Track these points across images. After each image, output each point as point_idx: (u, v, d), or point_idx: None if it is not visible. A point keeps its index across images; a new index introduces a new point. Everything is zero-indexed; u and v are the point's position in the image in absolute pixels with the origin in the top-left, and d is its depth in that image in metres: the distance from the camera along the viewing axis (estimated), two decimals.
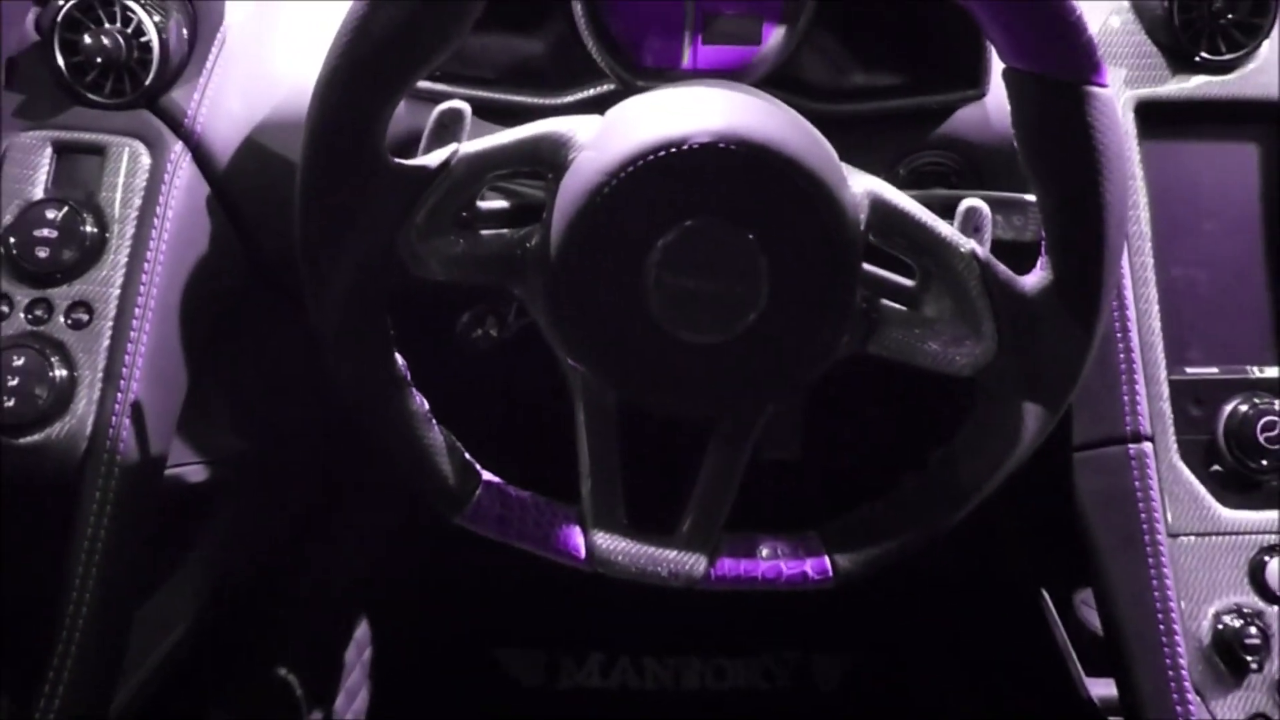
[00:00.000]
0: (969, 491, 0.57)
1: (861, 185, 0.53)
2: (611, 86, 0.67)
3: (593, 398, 0.56)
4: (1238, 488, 0.65)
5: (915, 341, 0.55)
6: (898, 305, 0.55)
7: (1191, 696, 0.62)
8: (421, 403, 0.56)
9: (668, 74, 0.68)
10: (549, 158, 0.52)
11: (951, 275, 0.53)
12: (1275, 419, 0.64)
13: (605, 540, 0.56)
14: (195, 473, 0.75)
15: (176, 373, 0.66)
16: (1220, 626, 0.63)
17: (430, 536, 0.85)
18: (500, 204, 0.57)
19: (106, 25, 0.66)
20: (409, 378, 0.56)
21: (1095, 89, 0.48)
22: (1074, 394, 0.54)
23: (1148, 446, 0.65)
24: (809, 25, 0.66)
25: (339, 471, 0.99)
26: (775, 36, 0.67)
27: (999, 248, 0.54)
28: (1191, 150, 0.67)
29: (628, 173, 0.49)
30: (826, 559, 0.57)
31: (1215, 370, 0.66)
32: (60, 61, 0.66)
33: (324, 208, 0.52)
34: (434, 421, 0.56)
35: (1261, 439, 0.64)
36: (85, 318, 0.63)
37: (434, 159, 0.52)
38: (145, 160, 0.66)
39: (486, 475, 0.57)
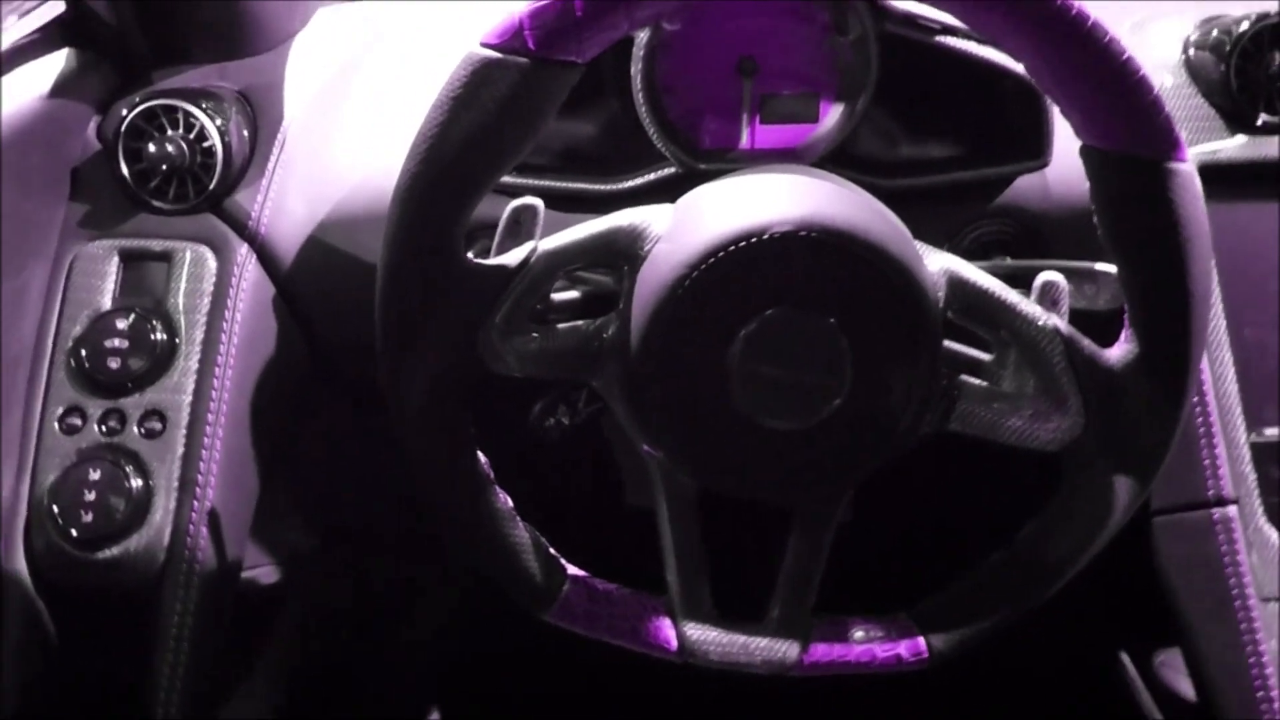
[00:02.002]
0: (1061, 567, 0.56)
1: (938, 264, 0.53)
2: (673, 169, 0.68)
3: (673, 486, 0.55)
4: None
5: (997, 418, 0.54)
6: (978, 381, 0.55)
7: None
8: (505, 500, 0.55)
9: (728, 155, 0.68)
10: (625, 250, 0.53)
11: (1034, 351, 0.53)
12: None
13: (696, 631, 0.56)
14: (268, 573, 0.75)
15: (250, 476, 0.66)
16: None
17: (508, 627, 0.84)
18: (572, 294, 0.57)
19: (169, 132, 0.67)
20: (491, 475, 0.56)
21: (1178, 165, 0.48)
22: (1163, 467, 0.54)
23: (1233, 510, 0.64)
24: (868, 103, 0.66)
25: (409, 566, 0.98)
26: (833, 114, 0.67)
27: (1073, 317, 0.54)
28: (1254, 210, 0.67)
29: (708, 264, 0.49)
30: (922, 640, 0.56)
31: None
32: (125, 170, 0.67)
33: (405, 311, 0.52)
34: (518, 518, 0.55)
35: None
36: (159, 426, 0.63)
37: (513, 258, 0.52)
38: (211, 264, 0.67)
39: (572, 570, 0.57)
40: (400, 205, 0.50)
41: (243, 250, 0.67)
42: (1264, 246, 0.67)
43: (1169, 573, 0.66)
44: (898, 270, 0.50)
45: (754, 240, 0.49)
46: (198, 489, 0.62)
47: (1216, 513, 0.64)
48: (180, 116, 0.67)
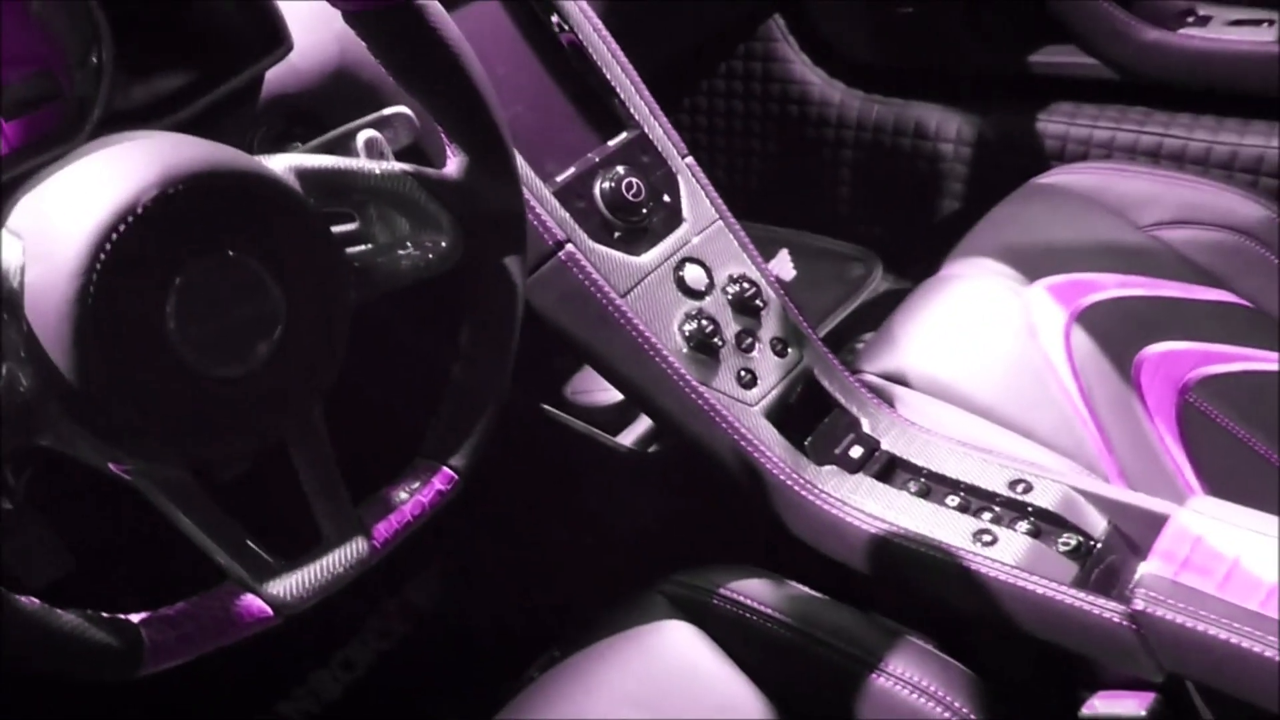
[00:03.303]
0: (505, 340, 0.67)
1: (281, 164, 0.57)
2: None
3: (166, 484, 0.55)
4: None
5: (393, 266, 0.63)
6: (360, 247, 0.62)
7: None
8: (31, 600, 0.51)
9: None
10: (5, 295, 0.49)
11: (395, 196, 0.61)
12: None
13: (277, 586, 0.58)
14: None
15: None
16: None
17: None
18: None
19: None
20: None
21: (422, 1, 0.57)
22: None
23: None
24: (111, 55, 0.65)
25: None
26: (81, 81, 0.65)
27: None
28: None
29: (101, 262, 0.49)
30: (446, 469, 0.64)
31: None
32: None
33: None
34: (52, 607, 0.52)
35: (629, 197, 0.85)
36: None
37: None
38: None
39: (134, 616, 0.55)
40: None
41: None
42: None
43: None
44: (263, 183, 0.54)
45: (131, 218, 0.49)
46: None
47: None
48: None
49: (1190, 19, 1.45)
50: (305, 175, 0.58)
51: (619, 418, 1.00)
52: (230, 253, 0.53)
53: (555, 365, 1.01)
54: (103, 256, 0.49)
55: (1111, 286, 1.11)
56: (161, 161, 0.52)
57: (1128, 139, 1.48)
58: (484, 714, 0.80)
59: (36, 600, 0.51)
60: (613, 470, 1.01)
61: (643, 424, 1.00)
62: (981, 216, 1.27)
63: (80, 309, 0.49)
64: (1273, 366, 1.07)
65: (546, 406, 1.00)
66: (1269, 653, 0.62)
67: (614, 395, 0.99)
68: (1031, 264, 1.12)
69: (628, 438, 0.99)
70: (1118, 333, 1.06)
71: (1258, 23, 1.40)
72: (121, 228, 0.49)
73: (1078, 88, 1.54)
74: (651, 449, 0.98)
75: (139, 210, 0.50)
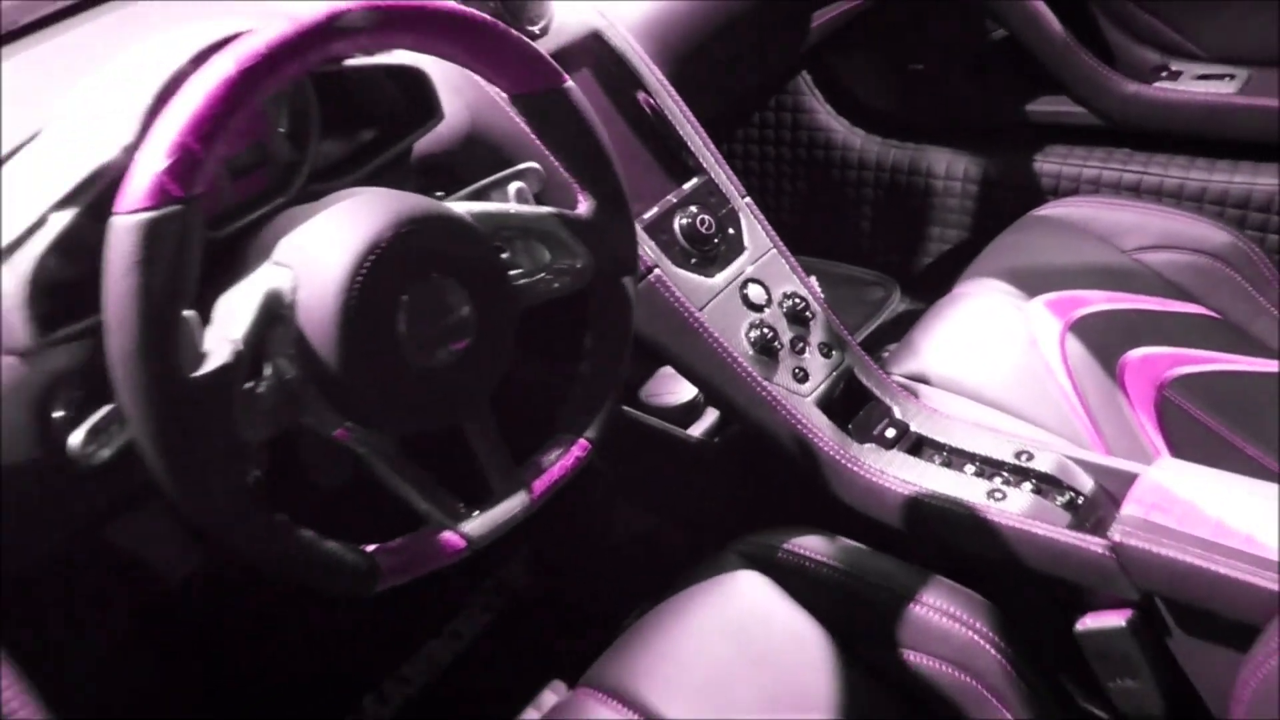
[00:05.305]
0: (626, 340, 0.85)
1: (463, 209, 0.76)
2: None
3: (379, 447, 0.73)
4: None
5: (541, 286, 0.81)
6: (514, 271, 0.81)
7: None
8: (301, 529, 0.69)
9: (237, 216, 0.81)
10: (280, 310, 0.66)
11: (542, 232, 0.80)
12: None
13: (468, 526, 0.75)
14: None
15: None
16: None
17: None
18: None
19: None
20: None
21: (567, 86, 0.77)
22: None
23: None
24: (319, 133, 0.83)
25: None
26: (286, 149, 0.81)
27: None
28: None
29: (357, 284, 0.65)
30: (583, 440, 0.83)
31: None
32: None
33: (173, 440, 0.62)
34: (315, 533, 0.69)
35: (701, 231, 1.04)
36: None
37: (223, 358, 0.64)
38: None
39: (366, 547, 0.73)
40: (137, 373, 0.59)
41: None
42: None
43: None
44: (462, 227, 0.73)
45: (375, 253, 0.67)
46: None
47: None
48: None
49: (1164, 74, 1.60)
50: (480, 217, 0.76)
51: (686, 415, 1.17)
52: (435, 275, 0.72)
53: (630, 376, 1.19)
54: (357, 281, 0.65)
55: (1100, 301, 1.25)
56: (392, 210, 0.69)
57: (1113, 176, 1.61)
58: (579, 667, 0.96)
59: (310, 531, 0.70)
60: (685, 459, 1.17)
61: (707, 419, 1.17)
62: (986, 245, 1.40)
63: (342, 319, 0.65)
64: (1238, 367, 1.22)
65: (626, 408, 1.18)
66: (1217, 569, 0.79)
67: (682, 396, 1.16)
68: (1031, 283, 1.26)
69: (696, 430, 1.17)
70: (1105, 340, 1.19)
71: (1220, 77, 1.55)
72: (369, 260, 0.66)
73: (1069, 133, 1.67)
74: (715, 440, 1.15)
75: (380, 246, 0.66)
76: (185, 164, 0.59)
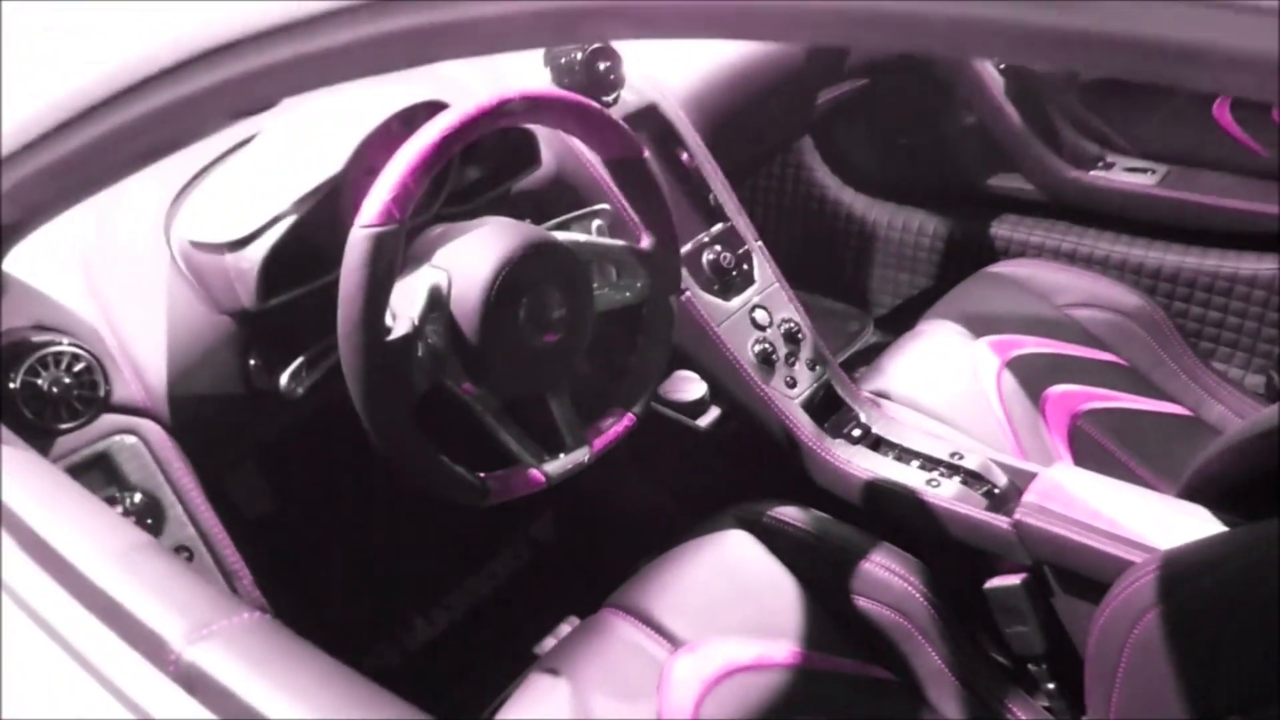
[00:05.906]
0: (668, 341, 1.13)
1: (564, 238, 1.04)
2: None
3: (489, 405, 1.01)
4: None
5: (608, 298, 1.10)
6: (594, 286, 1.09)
7: None
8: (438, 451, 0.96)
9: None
10: (441, 297, 0.93)
11: (615, 260, 1.08)
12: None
13: (548, 465, 1.02)
14: None
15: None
16: None
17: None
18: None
19: (46, 371, 0.89)
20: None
21: (646, 157, 1.05)
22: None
23: None
24: (456, 170, 1.11)
25: None
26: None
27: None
28: None
29: (497, 283, 0.93)
30: (629, 414, 1.11)
31: None
32: (28, 414, 0.88)
33: (374, 394, 0.88)
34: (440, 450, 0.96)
35: (723, 265, 1.32)
36: (188, 556, 0.90)
37: (405, 329, 0.91)
38: (134, 442, 0.92)
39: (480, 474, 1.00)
40: (357, 334, 0.86)
41: (144, 423, 0.94)
42: None
43: None
44: (566, 252, 1.01)
45: (508, 265, 0.94)
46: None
47: None
48: (50, 358, 0.90)
49: (1100, 164, 1.84)
50: (575, 245, 1.05)
51: (696, 409, 1.40)
52: (544, 284, 1.00)
53: None
54: (496, 284, 0.92)
55: (1032, 345, 1.46)
56: (521, 235, 0.96)
57: (1053, 244, 1.84)
58: (594, 604, 1.18)
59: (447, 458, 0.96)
60: (693, 445, 1.38)
61: (712, 414, 1.40)
62: (946, 292, 1.59)
63: (484, 309, 0.91)
64: (1138, 406, 1.46)
65: None
66: (1089, 543, 1.05)
67: (694, 394, 1.41)
68: (978, 326, 1.46)
69: (703, 422, 1.39)
70: (1033, 376, 1.40)
71: (1145, 170, 1.81)
72: (504, 270, 0.92)
73: (1020, 205, 1.90)
74: (719, 430, 1.39)
75: (513, 261, 0.93)
76: (404, 197, 0.87)
